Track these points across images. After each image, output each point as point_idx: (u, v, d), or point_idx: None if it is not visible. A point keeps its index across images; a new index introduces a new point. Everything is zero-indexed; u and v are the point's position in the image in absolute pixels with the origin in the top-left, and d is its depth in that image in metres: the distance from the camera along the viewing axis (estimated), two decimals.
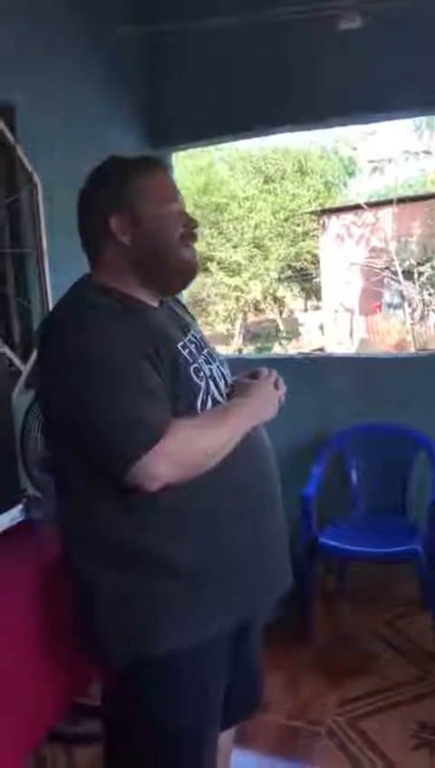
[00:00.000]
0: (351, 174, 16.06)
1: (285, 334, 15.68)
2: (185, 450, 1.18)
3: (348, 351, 11.64)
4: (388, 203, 12.35)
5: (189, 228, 1.33)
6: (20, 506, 1.79)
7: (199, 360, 1.31)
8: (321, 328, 14.32)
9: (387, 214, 12.39)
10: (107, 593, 1.24)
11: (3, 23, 2.34)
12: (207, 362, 1.34)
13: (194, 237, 1.34)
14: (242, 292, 15.37)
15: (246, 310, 16.05)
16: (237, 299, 15.51)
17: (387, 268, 12.84)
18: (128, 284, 1.30)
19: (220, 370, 1.38)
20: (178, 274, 1.34)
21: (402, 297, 12.82)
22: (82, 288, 1.31)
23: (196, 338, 1.37)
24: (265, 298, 15.95)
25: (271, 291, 15.90)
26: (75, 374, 1.16)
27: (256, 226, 15.13)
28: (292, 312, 16.73)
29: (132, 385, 1.16)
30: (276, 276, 15.66)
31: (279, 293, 16.22)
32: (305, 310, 16.62)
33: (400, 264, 12.56)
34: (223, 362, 1.42)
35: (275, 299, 16.25)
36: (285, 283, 16.20)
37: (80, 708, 2.03)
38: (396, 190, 12.44)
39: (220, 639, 1.31)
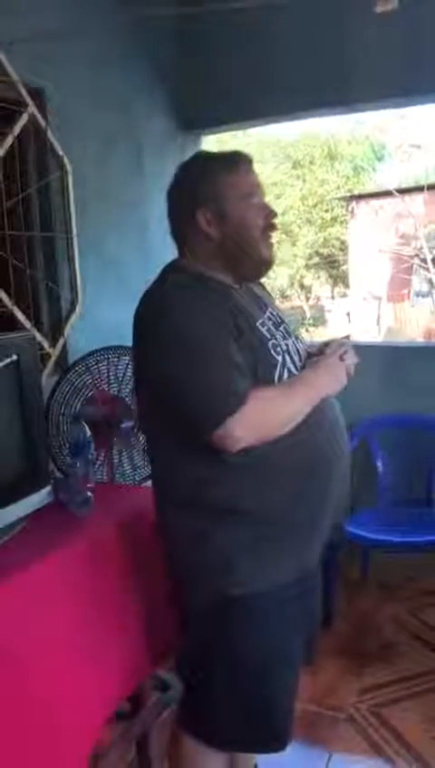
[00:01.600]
0: (380, 159, 15.85)
1: (311, 321, 15.60)
2: (262, 417, 1.32)
3: (375, 339, 11.54)
4: (418, 189, 12.18)
5: (270, 220, 1.43)
6: (48, 488, 1.81)
7: (277, 336, 1.43)
8: (348, 315, 14.22)
9: (417, 200, 12.22)
10: (196, 540, 1.39)
11: (34, 8, 2.33)
12: (284, 337, 1.45)
13: (274, 228, 1.45)
14: (268, 278, 15.29)
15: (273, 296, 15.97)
16: (263, 285, 15.44)
17: (416, 255, 12.69)
18: (211, 269, 1.42)
19: (296, 345, 1.48)
20: (258, 266, 1.47)
21: (432, 285, 12.67)
22: (172, 272, 1.44)
23: (273, 315, 1.49)
24: (291, 285, 15.88)
25: (298, 277, 15.81)
26: (169, 349, 1.31)
27: (283, 212, 15.02)
28: (318, 299, 16.63)
29: (218, 358, 1.30)
30: (304, 263, 15.57)
31: (306, 281, 16.13)
32: (332, 297, 16.51)
33: (429, 252, 12.41)
34: (299, 337, 1.54)
35: (302, 286, 16.16)
36: (313, 270, 16.09)
37: None
38: (427, 176, 12.25)
39: (294, 585, 1.42)
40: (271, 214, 1.43)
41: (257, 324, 1.40)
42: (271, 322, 1.45)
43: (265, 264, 1.47)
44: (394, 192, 12.44)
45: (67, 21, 2.50)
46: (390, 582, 2.94)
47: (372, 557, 2.96)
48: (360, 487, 2.94)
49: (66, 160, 2.53)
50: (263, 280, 1.61)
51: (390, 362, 3.14)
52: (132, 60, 2.98)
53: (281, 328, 1.47)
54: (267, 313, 1.47)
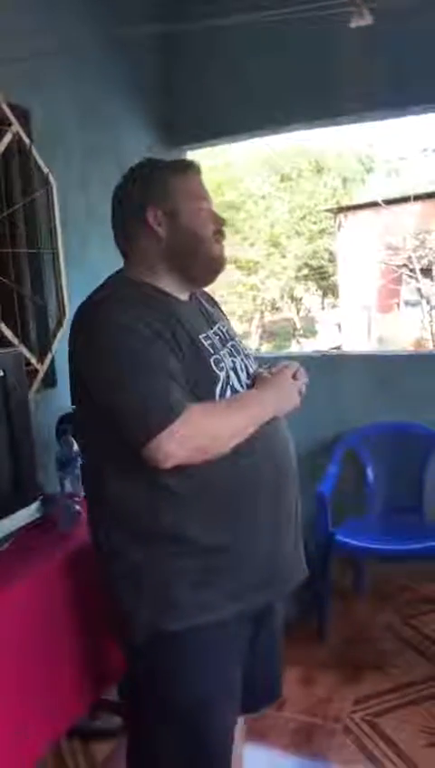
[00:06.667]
0: (369, 171, 15.99)
1: (302, 333, 15.65)
2: (197, 432, 1.25)
3: (365, 349, 11.59)
4: (406, 200, 12.28)
5: (219, 226, 1.42)
6: (36, 504, 1.81)
7: (222, 353, 1.38)
8: (338, 326, 14.27)
9: (405, 211, 12.31)
10: (129, 567, 1.32)
11: (19, 26, 2.36)
12: (231, 355, 1.41)
13: (223, 235, 1.43)
14: (259, 290, 15.37)
15: (263, 309, 16.04)
16: (254, 298, 15.50)
17: (405, 265, 12.77)
18: (159, 277, 1.39)
19: (244, 363, 1.44)
20: (208, 267, 1.42)
21: (420, 294, 12.75)
22: (113, 282, 1.40)
23: (221, 331, 1.45)
24: (281, 297, 15.94)
25: (288, 289, 15.87)
26: (103, 363, 1.26)
27: (272, 225, 15.12)
28: (309, 310, 16.69)
29: (153, 370, 1.24)
30: (293, 275, 15.64)
31: (296, 292, 16.20)
32: (323, 308, 16.57)
33: (418, 262, 12.49)
34: (249, 356, 1.49)
35: (292, 297, 16.22)
36: (303, 282, 16.17)
37: (98, 703, 2.05)
38: (414, 187, 12.35)
39: (237, 621, 1.35)
40: (220, 220, 1.43)
41: (200, 337, 1.35)
42: (217, 338, 1.41)
43: (216, 263, 1.43)
44: (381, 203, 12.53)
45: (52, 41, 2.52)
46: (382, 591, 2.94)
47: (364, 566, 2.96)
48: (350, 496, 2.95)
49: (51, 177, 2.54)
50: (217, 297, 1.57)
51: (380, 372, 3.16)
52: (117, 78, 3.01)
53: (228, 345, 1.43)
54: (214, 329, 1.43)
